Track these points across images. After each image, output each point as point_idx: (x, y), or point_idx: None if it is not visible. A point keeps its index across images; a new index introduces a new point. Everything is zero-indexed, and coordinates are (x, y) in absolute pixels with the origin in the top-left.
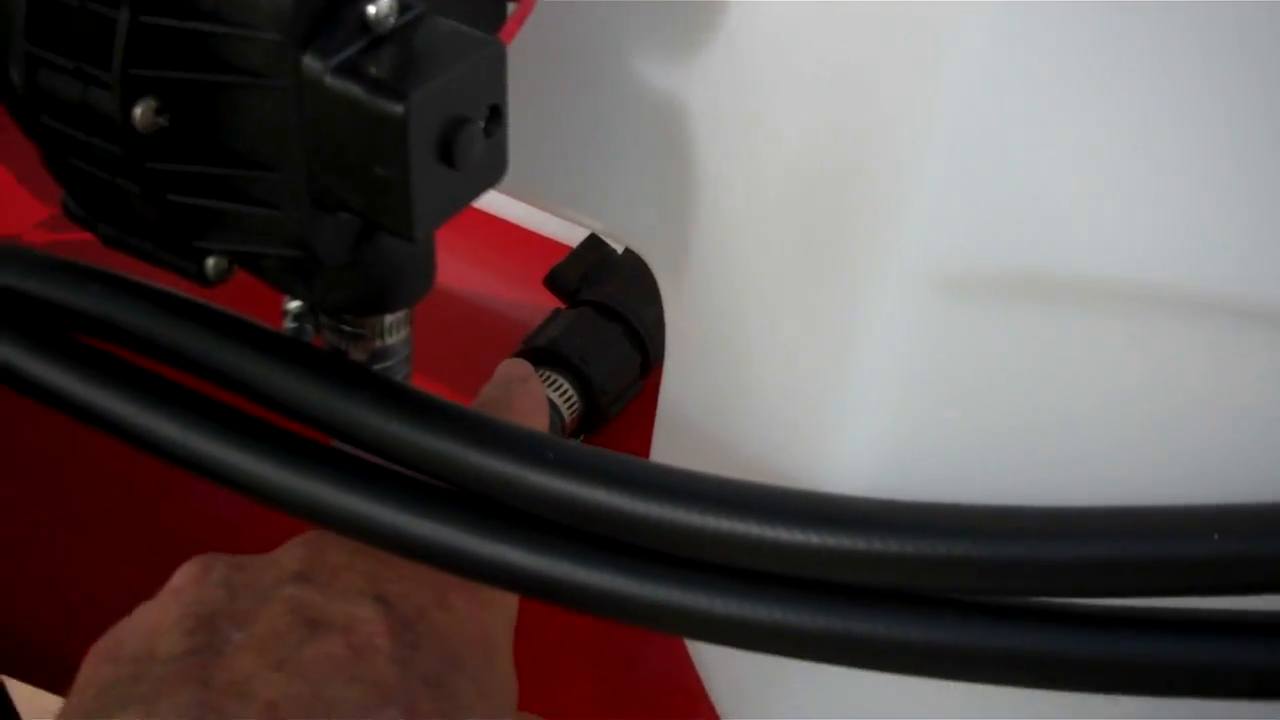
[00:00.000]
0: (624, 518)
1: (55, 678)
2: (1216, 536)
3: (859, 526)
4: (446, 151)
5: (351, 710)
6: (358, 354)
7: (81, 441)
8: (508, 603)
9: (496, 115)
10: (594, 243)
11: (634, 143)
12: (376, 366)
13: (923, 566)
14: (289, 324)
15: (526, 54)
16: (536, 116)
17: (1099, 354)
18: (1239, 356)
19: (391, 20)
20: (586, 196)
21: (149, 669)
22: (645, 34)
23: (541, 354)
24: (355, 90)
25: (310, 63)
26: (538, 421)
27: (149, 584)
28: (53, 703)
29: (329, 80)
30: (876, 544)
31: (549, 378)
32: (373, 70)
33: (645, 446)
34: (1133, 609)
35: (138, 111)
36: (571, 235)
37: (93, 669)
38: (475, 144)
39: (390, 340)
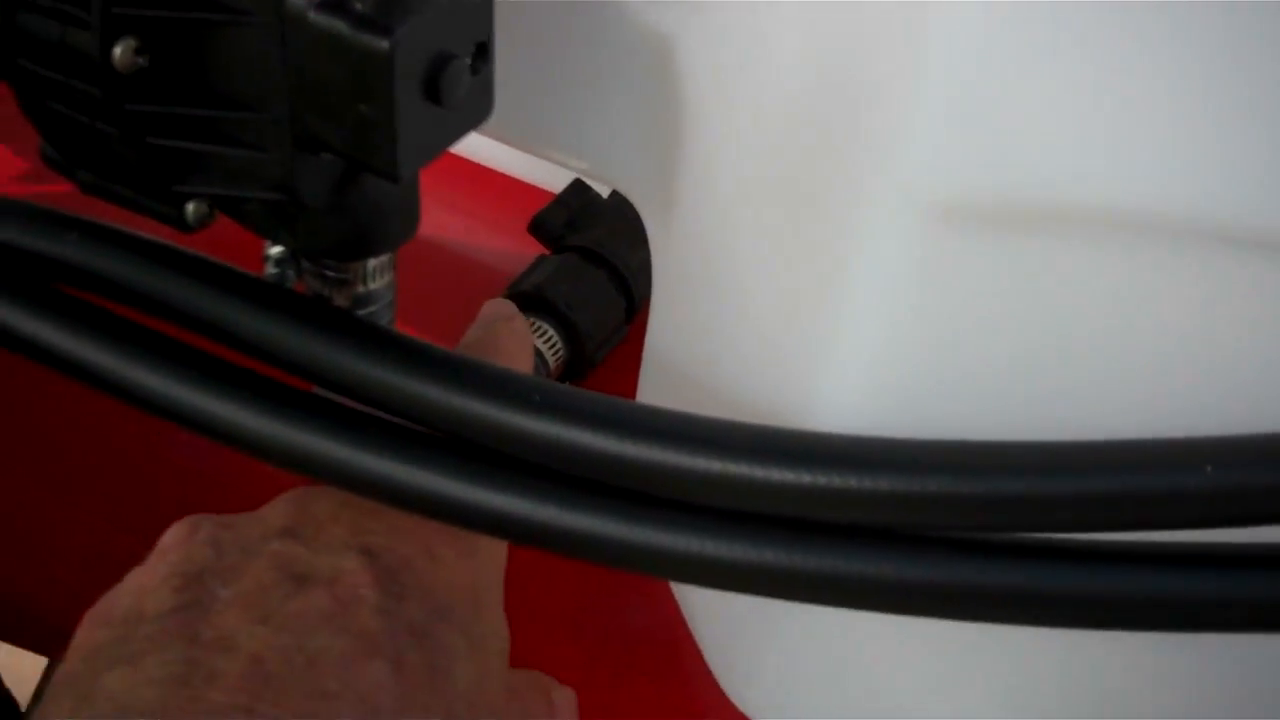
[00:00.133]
0: (610, 460)
1: (40, 640)
2: (1209, 468)
3: (847, 464)
4: (432, 89)
5: (337, 661)
6: (340, 299)
7: (66, 401)
8: (496, 550)
9: (483, 52)
10: (578, 188)
11: (621, 81)
12: (359, 312)
13: (912, 503)
14: (270, 269)
15: None
16: (521, 56)
17: (1091, 285)
18: (1232, 286)
19: None
20: (572, 137)
21: (137, 629)
22: None
23: (527, 300)
24: (339, 26)
25: None
26: (523, 361)
27: (128, 541)
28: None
29: (312, 16)
30: (866, 481)
31: (534, 324)
32: (357, 5)
33: (631, 392)
34: (1125, 543)
35: (117, 51)
36: (555, 182)
37: (85, 634)
38: (461, 81)
39: (373, 285)
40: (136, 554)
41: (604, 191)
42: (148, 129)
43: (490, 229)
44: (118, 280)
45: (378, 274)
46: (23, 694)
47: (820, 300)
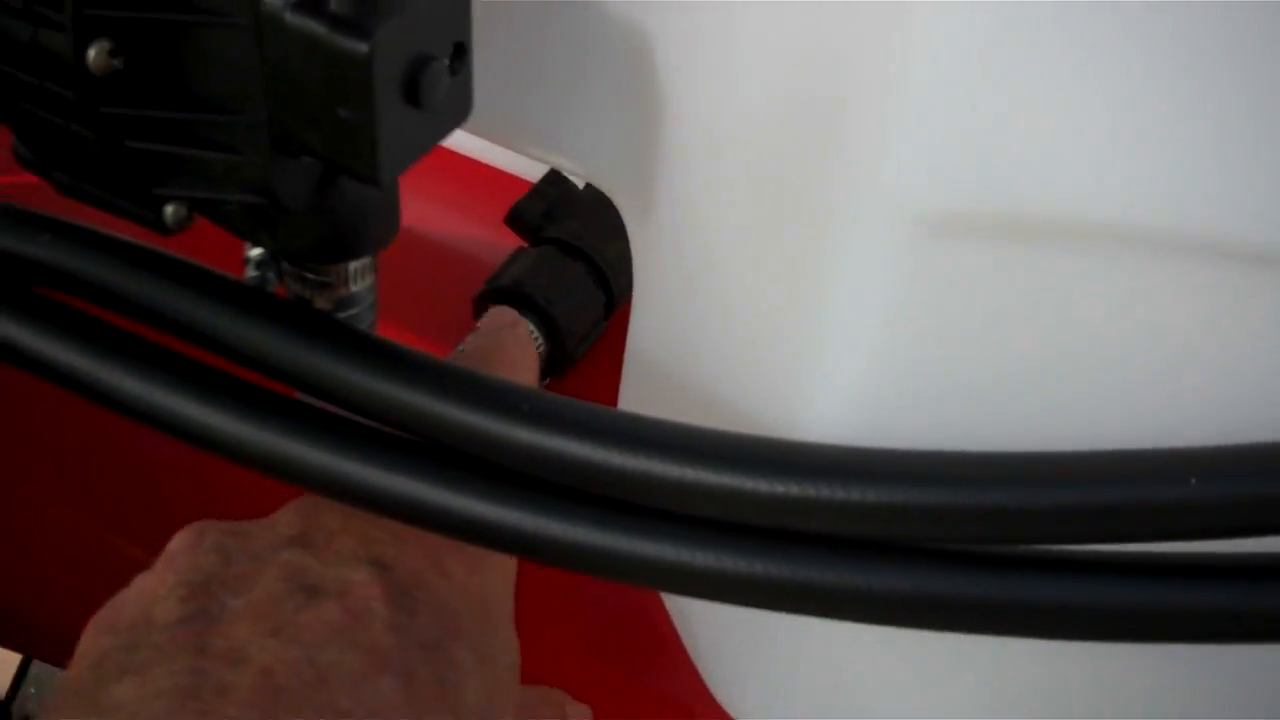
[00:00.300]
0: (598, 469)
1: (29, 643)
2: (1194, 481)
3: (835, 475)
4: (412, 91)
5: (348, 677)
6: (322, 302)
7: (61, 405)
8: (505, 565)
9: (461, 53)
10: (555, 178)
11: (600, 77)
12: (341, 315)
13: (899, 515)
14: (251, 272)
15: None
16: (498, 52)
17: (1080, 296)
18: (1221, 297)
19: None
20: (552, 134)
21: (145, 637)
22: None
23: (506, 294)
24: (316, 27)
25: None
26: (527, 369)
27: (124, 544)
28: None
29: (289, 17)
30: (854, 493)
31: None
32: (334, 6)
33: (612, 390)
34: (1113, 554)
35: (92, 53)
36: (532, 170)
37: (91, 640)
38: (441, 83)
39: (355, 288)
40: (131, 557)
41: (580, 182)
42: (124, 132)
43: (466, 219)
44: (93, 282)
45: (359, 276)
46: None
47: (803, 308)
